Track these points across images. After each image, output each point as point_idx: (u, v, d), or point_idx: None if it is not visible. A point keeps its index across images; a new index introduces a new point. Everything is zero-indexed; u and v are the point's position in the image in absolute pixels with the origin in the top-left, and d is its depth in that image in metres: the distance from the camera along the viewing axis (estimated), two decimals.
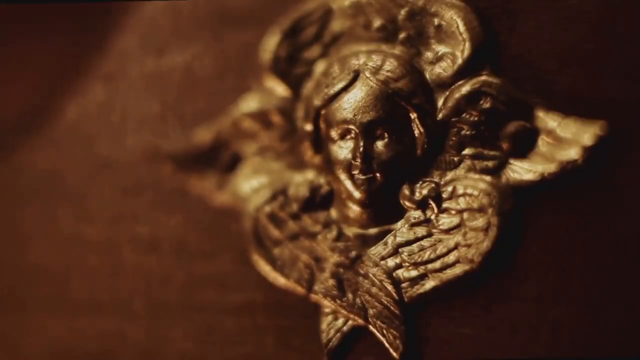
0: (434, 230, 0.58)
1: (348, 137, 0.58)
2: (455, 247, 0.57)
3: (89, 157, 0.69)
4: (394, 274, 0.59)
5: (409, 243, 0.59)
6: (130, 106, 0.68)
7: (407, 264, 0.59)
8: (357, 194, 0.58)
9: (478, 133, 0.57)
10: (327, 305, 0.60)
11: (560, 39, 0.56)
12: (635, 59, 0.55)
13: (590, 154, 0.55)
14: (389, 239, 0.59)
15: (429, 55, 0.59)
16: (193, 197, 0.66)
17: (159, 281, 0.66)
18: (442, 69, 0.58)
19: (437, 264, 0.58)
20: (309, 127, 0.60)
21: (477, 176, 0.58)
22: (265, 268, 0.61)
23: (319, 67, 0.61)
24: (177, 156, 0.65)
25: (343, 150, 0.59)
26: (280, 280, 0.61)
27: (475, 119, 0.57)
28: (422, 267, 0.58)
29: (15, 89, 0.72)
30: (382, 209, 0.59)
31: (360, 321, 0.59)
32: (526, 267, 0.57)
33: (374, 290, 0.59)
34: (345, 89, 0.58)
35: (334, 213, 0.61)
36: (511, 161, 0.57)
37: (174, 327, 0.66)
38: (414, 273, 0.58)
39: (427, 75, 0.58)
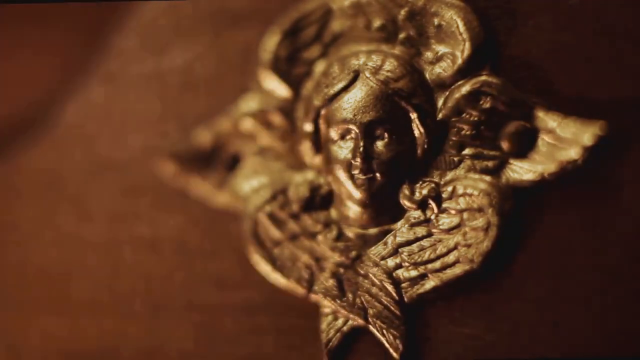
0: (434, 230, 0.58)
1: (348, 137, 0.58)
2: (455, 247, 0.57)
3: (89, 157, 0.69)
4: (394, 274, 0.59)
5: (409, 243, 0.59)
6: (130, 106, 0.68)
7: (407, 264, 0.58)
8: (357, 194, 0.58)
9: (478, 133, 0.57)
10: (327, 305, 0.60)
11: (560, 39, 0.56)
12: (635, 59, 0.55)
13: (590, 154, 0.55)
14: (389, 239, 0.59)
15: (429, 55, 0.58)
16: (193, 197, 0.66)
17: (159, 281, 0.66)
18: (442, 69, 0.58)
19: (437, 264, 0.58)
20: (309, 127, 0.60)
21: (477, 176, 0.58)
22: (265, 268, 0.61)
23: (319, 67, 0.61)
24: (177, 156, 0.65)
25: (343, 150, 0.59)
26: (280, 280, 0.61)
27: (475, 119, 0.57)
28: (422, 267, 0.58)
29: (15, 89, 0.72)
30: (382, 209, 0.59)
31: (360, 321, 0.59)
32: (526, 267, 0.57)
33: (374, 290, 0.59)
34: (345, 89, 0.58)
35: (334, 213, 0.61)
36: (511, 161, 0.57)
37: (174, 327, 0.66)
38: (414, 273, 0.58)
39: (427, 75, 0.58)
